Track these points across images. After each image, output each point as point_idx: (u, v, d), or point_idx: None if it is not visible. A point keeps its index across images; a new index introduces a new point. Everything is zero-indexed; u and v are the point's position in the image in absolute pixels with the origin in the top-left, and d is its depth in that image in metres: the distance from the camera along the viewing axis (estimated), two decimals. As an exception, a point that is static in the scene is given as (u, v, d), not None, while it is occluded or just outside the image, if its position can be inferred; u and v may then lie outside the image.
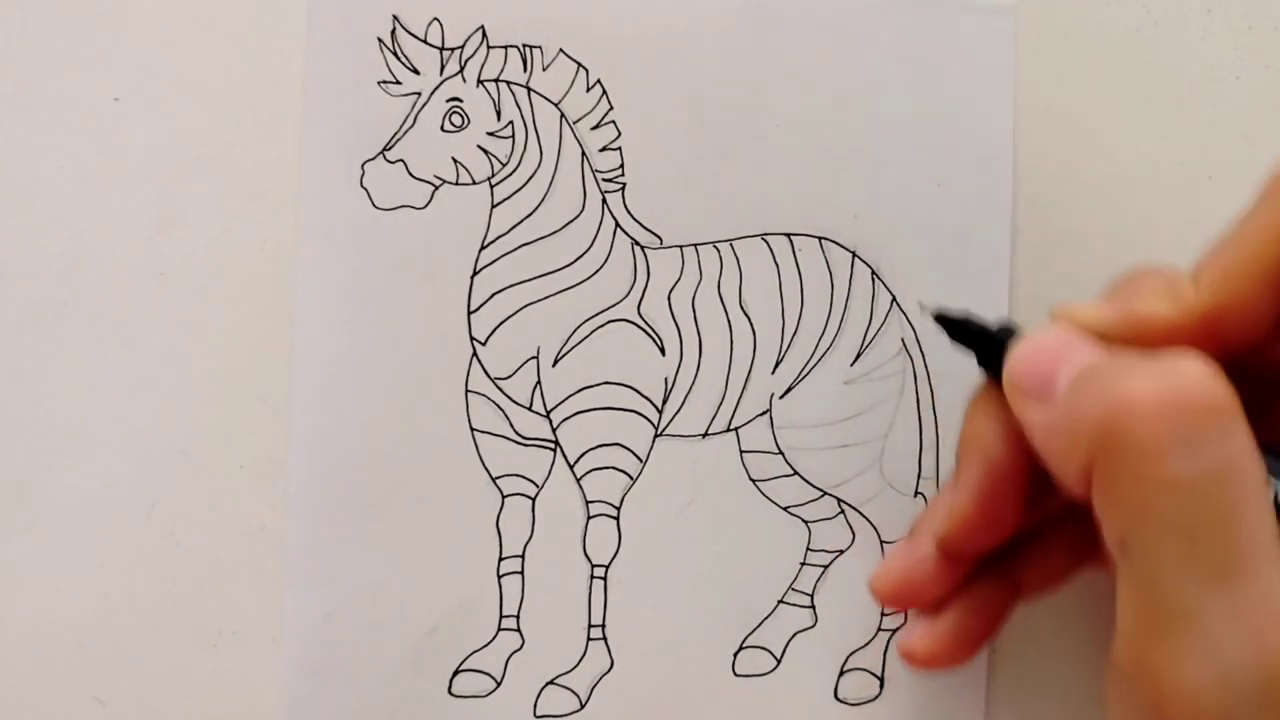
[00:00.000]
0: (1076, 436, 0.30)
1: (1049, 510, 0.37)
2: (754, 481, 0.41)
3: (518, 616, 0.40)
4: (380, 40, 0.40)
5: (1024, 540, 0.37)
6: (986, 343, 0.35)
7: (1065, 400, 0.31)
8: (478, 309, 0.40)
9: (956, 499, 0.35)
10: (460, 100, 0.40)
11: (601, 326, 0.40)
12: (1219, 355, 0.31)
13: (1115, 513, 0.29)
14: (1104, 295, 0.34)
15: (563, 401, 0.40)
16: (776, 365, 0.41)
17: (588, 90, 0.40)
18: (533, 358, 0.40)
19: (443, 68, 0.40)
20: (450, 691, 0.40)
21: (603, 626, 0.40)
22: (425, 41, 0.40)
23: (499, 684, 0.40)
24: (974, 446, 0.35)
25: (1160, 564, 0.28)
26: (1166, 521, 0.28)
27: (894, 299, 0.41)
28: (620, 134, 0.40)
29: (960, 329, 0.36)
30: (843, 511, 0.41)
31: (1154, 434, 0.28)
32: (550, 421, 0.40)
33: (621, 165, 0.40)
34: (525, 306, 0.40)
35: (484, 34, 0.40)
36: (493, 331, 0.40)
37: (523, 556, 0.40)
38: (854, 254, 0.41)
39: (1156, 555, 0.28)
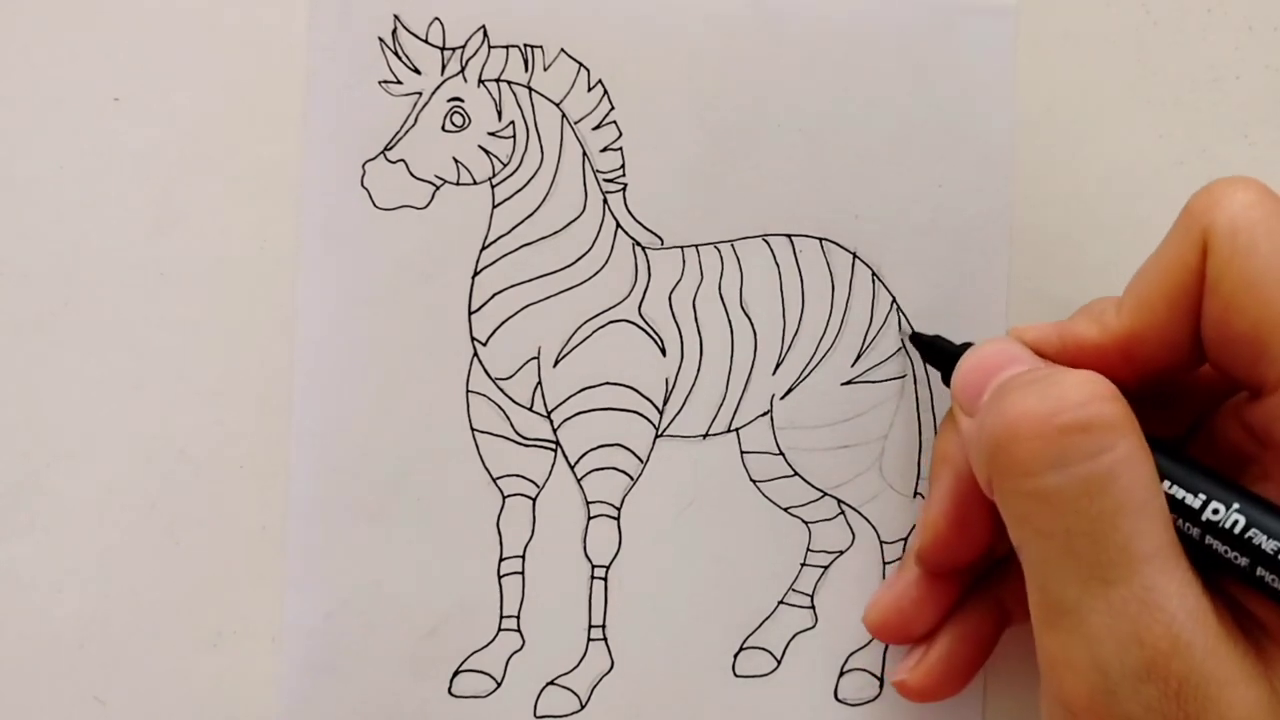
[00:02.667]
0: (981, 450, 0.32)
1: None
2: (754, 482, 0.41)
3: (518, 617, 0.40)
4: (381, 40, 0.40)
5: (1007, 564, 0.39)
6: (952, 362, 0.37)
7: (980, 415, 0.33)
8: (478, 309, 0.40)
9: (928, 514, 0.37)
10: (461, 100, 0.40)
11: (602, 327, 0.40)
12: (1138, 374, 0.34)
13: (1008, 519, 0.32)
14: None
15: (563, 402, 0.40)
16: (777, 366, 0.41)
17: (589, 90, 0.40)
18: (533, 358, 0.40)
19: (444, 67, 0.40)
20: (450, 692, 0.40)
21: (603, 627, 0.40)
22: (426, 41, 0.40)
23: (499, 684, 0.40)
24: (943, 462, 0.37)
25: (1045, 566, 0.31)
26: (1044, 530, 0.31)
27: (894, 300, 0.41)
28: (621, 134, 0.40)
29: (930, 349, 0.40)
30: (843, 512, 0.41)
31: (1029, 451, 0.30)
32: (551, 422, 0.40)
33: (623, 166, 0.40)
34: (526, 307, 0.40)
35: (485, 34, 0.40)
36: (493, 332, 0.40)
37: (523, 557, 0.40)
38: (855, 255, 0.41)
39: (1041, 559, 0.31)
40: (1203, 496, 0.32)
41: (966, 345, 0.37)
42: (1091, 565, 0.30)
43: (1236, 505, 0.31)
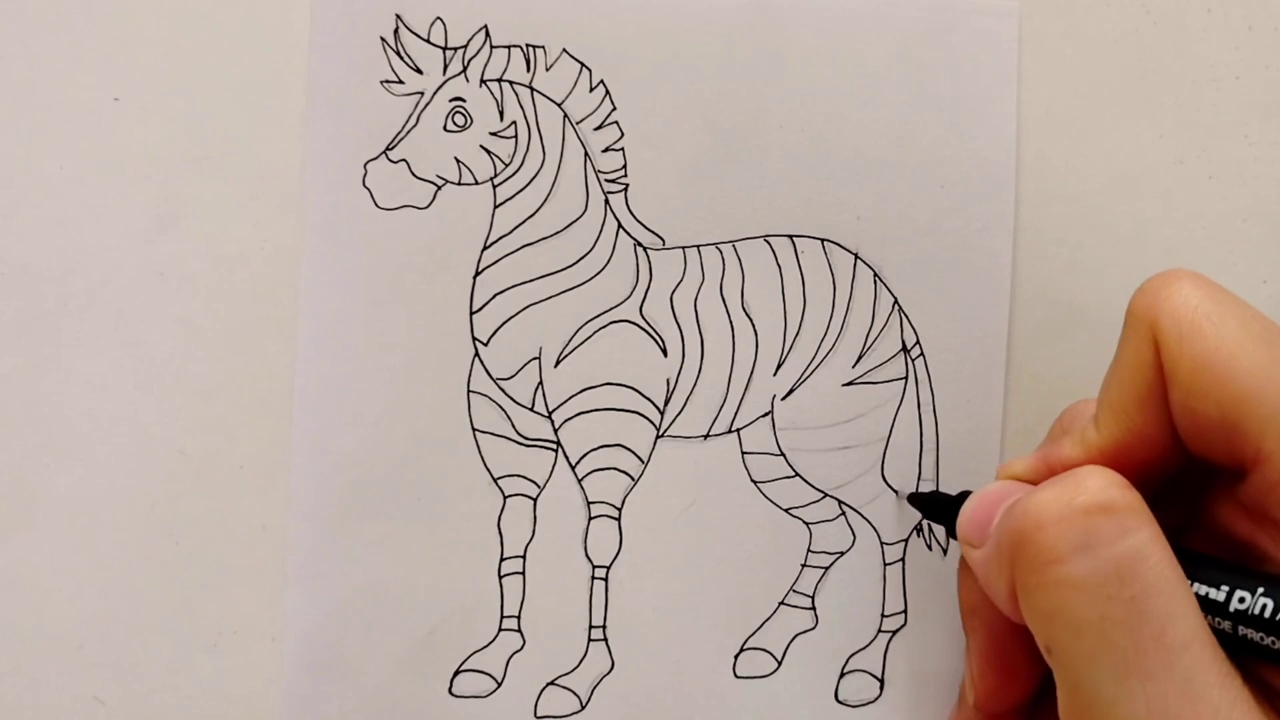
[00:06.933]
0: (1000, 560, 0.32)
1: None
2: (755, 483, 0.41)
3: (519, 617, 0.40)
4: (383, 39, 0.40)
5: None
6: (953, 513, 0.37)
7: (993, 534, 0.33)
8: (480, 309, 0.40)
9: (971, 667, 0.38)
10: (463, 100, 0.40)
11: (604, 327, 0.40)
12: (1131, 482, 0.33)
13: (1035, 620, 0.31)
14: (1044, 440, 0.37)
15: (564, 402, 0.40)
16: (778, 367, 0.41)
17: (591, 91, 0.40)
18: (535, 358, 0.40)
19: (446, 67, 0.40)
20: (451, 692, 0.40)
21: (603, 627, 0.40)
22: (428, 41, 0.40)
23: (499, 684, 0.40)
24: (972, 614, 0.37)
25: (1079, 662, 0.30)
26: (1077, 622, 0.30)
27: (896, 301, 0.41)
28: (623, 135, 0.40)
29: (930, 505, 0.40)
30: (843, 513, 0.41)
31: (1054, 538, 0.30)
32: (552, 422, 0.40)
33: (624, 166, 0.40)
34: (527, 307, 0.40)
35: (487, 34, 0.40)
36: (495, 332, 0.40)
37: (524, 557, 0.40)
38: (856, 255, 0.41)
39: (1075, 654, 0.30)
40: (1226, 588, 0.31)
41: (964, 494, 0.37)
42: (1128, 657, 0.29)
43: (1261, 589, 0.31)
